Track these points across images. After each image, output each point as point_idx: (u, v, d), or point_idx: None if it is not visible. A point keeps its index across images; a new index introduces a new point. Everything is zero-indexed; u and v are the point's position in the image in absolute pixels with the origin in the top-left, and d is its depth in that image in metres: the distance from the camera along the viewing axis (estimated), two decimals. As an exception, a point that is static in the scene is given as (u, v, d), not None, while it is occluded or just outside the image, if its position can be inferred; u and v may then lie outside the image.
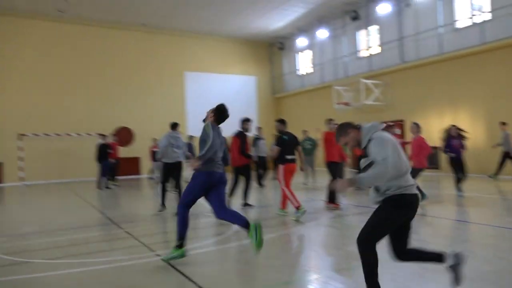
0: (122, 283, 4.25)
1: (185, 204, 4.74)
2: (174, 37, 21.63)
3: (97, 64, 19.83)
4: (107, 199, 12.02)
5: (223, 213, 4.71)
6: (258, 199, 10.55)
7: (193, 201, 4.76)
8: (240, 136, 8.46)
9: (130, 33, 20.55)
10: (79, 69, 19.40)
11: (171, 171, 8.64)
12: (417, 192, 3.17)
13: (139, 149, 18.87)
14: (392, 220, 3.09)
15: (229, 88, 23.13)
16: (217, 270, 4.68)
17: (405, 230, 3.21)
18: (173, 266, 4.60)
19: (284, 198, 7.53)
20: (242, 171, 8.63)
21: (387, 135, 3.13)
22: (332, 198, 8.18)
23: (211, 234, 6.67)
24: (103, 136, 14.48)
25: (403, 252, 3.22)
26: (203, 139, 4.72)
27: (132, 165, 19.66)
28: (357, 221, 7.01)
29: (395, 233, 3.18)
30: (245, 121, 8.44)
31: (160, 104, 20.98)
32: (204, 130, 4.74)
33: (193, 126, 21.62)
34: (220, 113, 4.88)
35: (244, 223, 4.51)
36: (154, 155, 15.22)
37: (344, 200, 9.10)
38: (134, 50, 20.72)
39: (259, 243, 4.34)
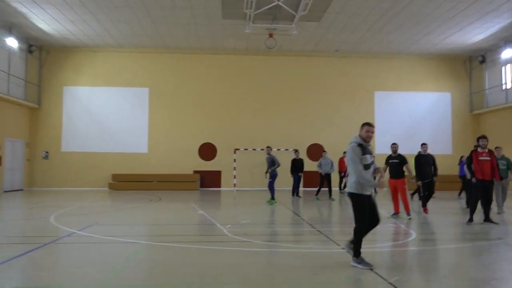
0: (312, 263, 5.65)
1: None
2: (364, 59, 22.74)
3: (295, 88, 22.61)
4: (301, 204, 13.92)
5: None
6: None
7: None
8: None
9: (324, 60, 22.68)
10: (281, 94, 22.50)
11: None
12: None
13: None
14: None
15: (420, 106, 22.81)
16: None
17: None
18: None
19: None
20: None
21: None
22: None
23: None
24: (296, 151, 16.71)
25: None
26: None
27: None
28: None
29: None
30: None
31: (349, 123, 22.27)
32: None
33: (381, 144, 22.17)
34: None
35: None
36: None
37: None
38: (327, 73, 22.76)
39: None
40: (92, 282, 4.66)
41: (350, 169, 5.22)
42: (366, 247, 5.43)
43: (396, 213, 9.98)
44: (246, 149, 22.06)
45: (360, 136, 5.34)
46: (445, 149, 22.18)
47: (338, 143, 21.46)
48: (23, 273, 5.17)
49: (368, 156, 5.20)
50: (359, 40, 20.41)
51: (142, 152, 22.11)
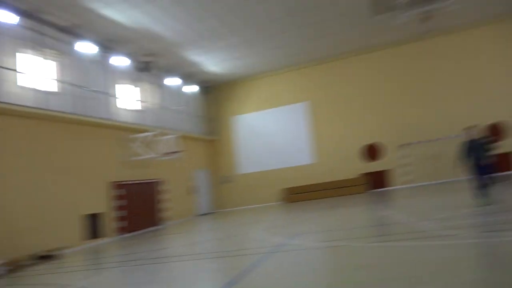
0: None
1: None
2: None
3: (459, 66, 20.79)
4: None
5: None
6: None
7: None
8: None
9: (490, 28, 20.36)
10: (444, 76, 21.03)
11: None
12: None
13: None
14: None
15: None
16: None
17: None
18: None
19: None
20: None
21: None
22: None
23: None
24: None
25: None
26: None
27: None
28: None
29: None
30: None
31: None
32: None
33: None
34: None
35: None
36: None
37: None
38: (496, 42, 20.28)
39: None
40: (335, 282, 5.29)
41: None
42: None
43: None
44: (413, 143, 21.15)
45: None
46: None
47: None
48: (269, 280, 6.13)
49: None
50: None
51: (309, 163, 23.20)
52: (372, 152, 22.15)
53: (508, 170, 19.03)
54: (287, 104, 23.85)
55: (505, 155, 18.87)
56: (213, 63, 20.97)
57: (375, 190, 21.71)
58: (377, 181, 21.96)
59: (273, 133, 23.99)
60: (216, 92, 25.30)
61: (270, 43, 19.11)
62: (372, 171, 21.99)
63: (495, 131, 18.92)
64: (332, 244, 7.88)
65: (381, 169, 21.88)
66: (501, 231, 7.02)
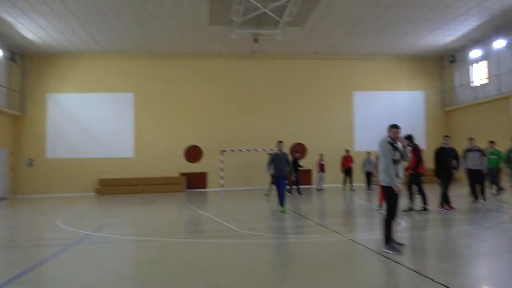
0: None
1: None
2: (343, 61, 23.68)
3: (278, 90, 23.34)
4: (290, 200, 14.60)
5: None
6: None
7: None
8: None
9: (305, 62, 23.52)
10: (264, 96, 23.20)
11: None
12: None
13: (311, 162, 21.44)
14: None
15: (395, 104, 23.86)
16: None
17: None
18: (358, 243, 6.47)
19: None
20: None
21: None
22: None
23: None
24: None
25: None
26: None
27: (305, 176, 22.29)
28: None
29: None
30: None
31: (330, 122, 23.29)
32: None
33: (359, 140, 23.15)
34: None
35: None
36: (321, 167, 19.49)
37: None
38: (308, 75, 23.58)
39: None
40: (137, 275, 5.17)
41: (381, 165, 5.85)
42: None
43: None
44: (232, 150, 22.62)
45: (389, 136, 5.96)
46: (419, 144, 23.36)
47: (320, 141, 22.59)
48: (67, 271, 5.62)
49: (397, 153, 5.84)
50: (339, 43, 21.32)
51: (128, 157, 22.29)
52: (193, 153, 22.76)
53: (309, 184, 22.34)
54: (111, 92, 22.28)
55: (305, 171, 21.93)
56: (29, 28, 17.90)
57: (193, 190, 22.32)
58: (195, 182, 22.63)
59: (92, 119, 22.03)
60: (28, 62, 21.88)
61: (101, 23, 17.50)
62: (191, 172, 22.56)
63: (298, 150, 21.81)
64: (140, 238, 7.73)
65: (200, 171, 22.66)
66: (293, 234, 8.11)
